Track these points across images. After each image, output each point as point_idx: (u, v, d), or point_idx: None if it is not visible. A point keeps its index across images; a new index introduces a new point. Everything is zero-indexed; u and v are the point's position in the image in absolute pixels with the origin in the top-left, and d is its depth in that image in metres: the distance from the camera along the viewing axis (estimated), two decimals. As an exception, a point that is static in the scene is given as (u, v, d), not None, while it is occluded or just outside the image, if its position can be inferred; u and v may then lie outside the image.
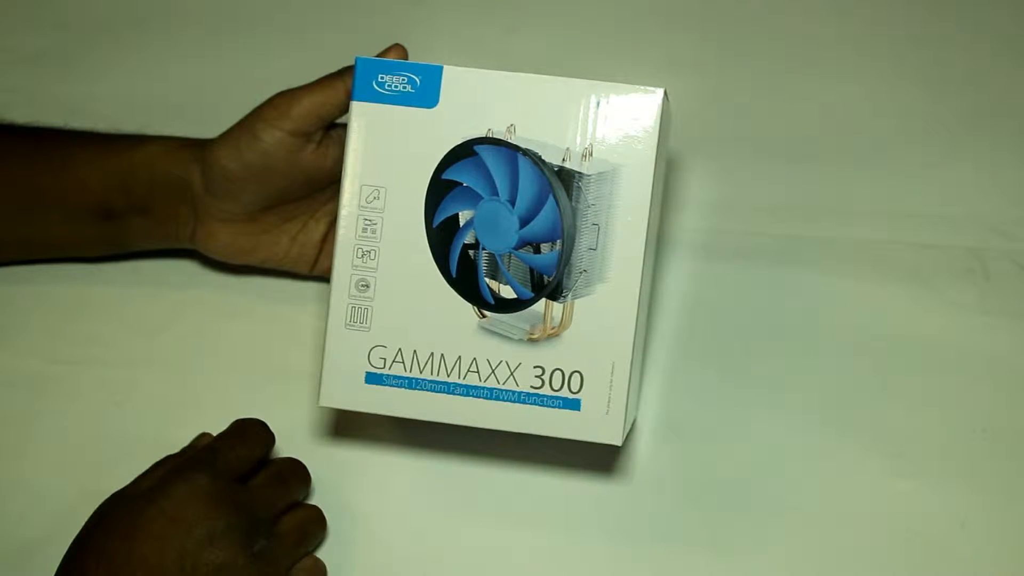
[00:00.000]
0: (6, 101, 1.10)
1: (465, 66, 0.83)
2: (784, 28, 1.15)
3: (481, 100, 0.82)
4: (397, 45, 0.90)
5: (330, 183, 0.96)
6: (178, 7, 1.19)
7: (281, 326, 1.04)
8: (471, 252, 0.83)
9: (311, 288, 1.04)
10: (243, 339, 1.04)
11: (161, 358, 1.03)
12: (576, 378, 0.82)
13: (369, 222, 0.83)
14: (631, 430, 0.97)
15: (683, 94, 0.96)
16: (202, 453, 0.88)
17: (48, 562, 0.84)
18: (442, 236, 0.83)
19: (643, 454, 0.98)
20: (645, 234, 0.81)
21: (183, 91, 1.15)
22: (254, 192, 0.94)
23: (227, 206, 0.96)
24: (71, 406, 1.01)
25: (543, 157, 0.81)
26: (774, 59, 1.14)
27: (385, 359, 0.84)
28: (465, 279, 0.83)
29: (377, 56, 0.87)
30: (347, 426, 1.00)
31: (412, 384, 0.84)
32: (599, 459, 0.98)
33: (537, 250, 0.82)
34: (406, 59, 0.89)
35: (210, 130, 0.96)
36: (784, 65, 1.13)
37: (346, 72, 0.89)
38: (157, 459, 0.91)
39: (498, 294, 0.83)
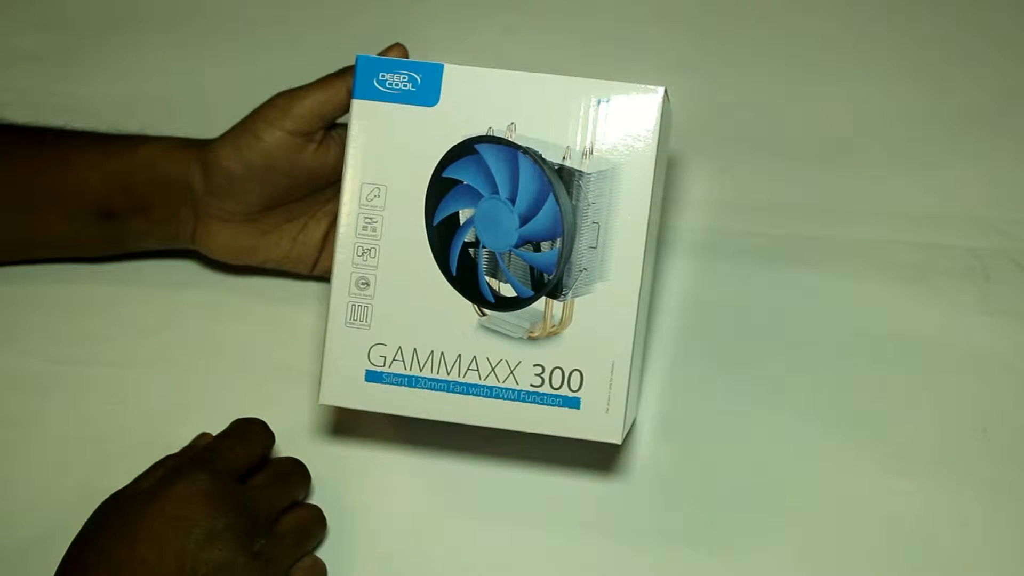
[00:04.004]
0: (6, 101, 1.09)
1: (465, 65, 0.83)
2: (784, 28, 1.15)
3: (482, 98, 0.82)
4: (398, 44, 0.90)
5: (331, 183, 0.96)
6: (178, 7, 1.19)
7: (281, 326, 1.04)
8: (471, 250, 0.83)
9: (311, 288, 1.04)
10: (243, 339, 1.04)
11: (161, 358, 1.03)
12: (576, 376, 0.83)
13: (370, 220, 0.83)
14: (631, 429, 0.97)
15: (683, 94, 0.96)
16: (202, 453, 0.88)
17: (48, 562, 0.84)
18: (442, 234, 0.83)
19: (643, 453, 0.98)
20: (645, 233, 0.81)
21: (183, 91, 1.15)
22: (255, 192, 0.94)
23: (228, 206, 0.96)
24: (71, 406, 1.01)
25: (543, 155, 0.81)
26: (774, 59, 1.14)
27: (385, 357, 0.84)
28: (465, 277, 0.83)
29: (378, 55, 0.87)
30: (347, 425, 1.00)
31: (412, 382, 0.84)
32: (599, 458, 0.98)
33: (537, 248, 0.82)
34: (407, 58, 0.89)
35: (210, 130, 0.96)
36: (784, 65, 1.13)
37: (347, 72, 0.90)
38: (157, 459, 0.91)
39: (498, 292, 0.83)
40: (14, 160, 0.99)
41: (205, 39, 1.17)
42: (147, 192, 0.97)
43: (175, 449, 0.94)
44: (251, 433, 0.91)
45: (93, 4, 1.19)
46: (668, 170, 1.05)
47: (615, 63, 1.14)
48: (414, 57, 0.89)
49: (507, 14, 1.17)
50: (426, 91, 0.83)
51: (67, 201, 0.98)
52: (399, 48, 0.90)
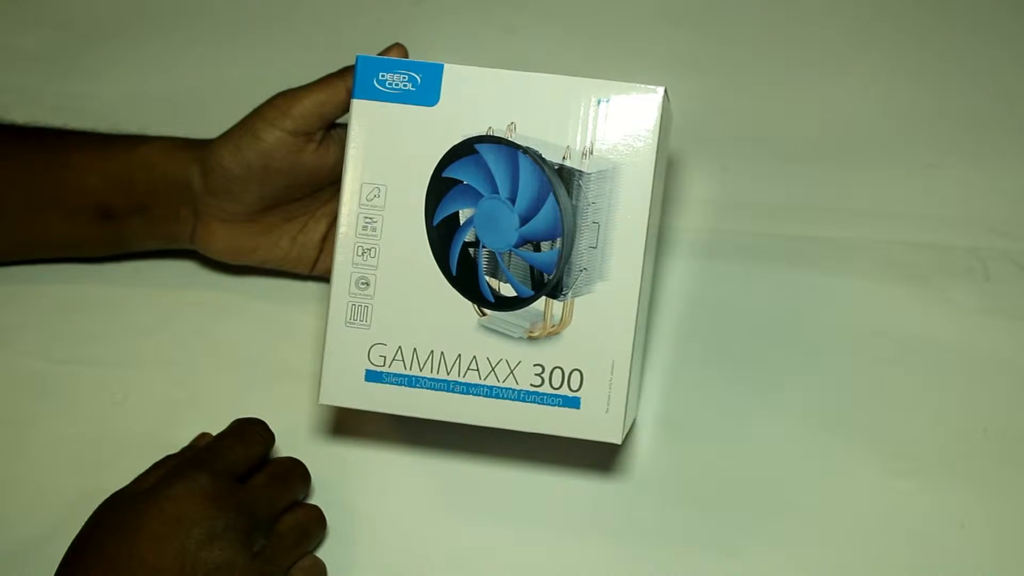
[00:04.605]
0: (6, 101, 1.10)
1: (466, 65, 0.83)
2: (784, 28, 1.15)
3: (482, 98, 0.82)
4: (397, 44, 0.90)
5: (330, 183, 0.96)
6: (178, 7, 1.19)
7: (281, 326, 1.04)
8: (471, 250, 0.83)
9: (311, 288, 1.04)
10: (243, 339, 1.04)
11: (161, 358, 1.03)
12: (576, 376, 0.82)
13: (369, 220, 0.83)
14: (631, 429, 0.97)
15: (683, 94, 0.96)
16: (202, 453, 0.88)
17: (48, 562, 0.84)
18: (442, 234, 0.83)
19: (643, 453, 0.98)
20: (645, 232, 0.81)
21: (183, 91, 1.14)
22: (255, 192, 0.94)
23: (227, 206, 0.96)
24: (71, 406, 1.01)
25: (543, 155, 0.81)
26: (774, 59, 1.14)
27: (385, 357, 0.84)
28: (465, 277, 0.83)
29: (378, 55, 0.87)
30: (347, 425, 1.00)
31: (412, 382, 0.84)
32: (599, 457, 0.98)
33: (537, 248, 0.82)
34: (407, 58, 0.89)
35: (210, 130, 0.96)
36: (784, 65, 1.13)
37: (347, 72, 0.90)
38: (157, 459, 0.91)
39: (498, 292, 0.83)
40: (14, 160, 0.99)
41: (205, 39, 1.17)
42: (147, 192, 0.97)
43: (175, 449, 0.94)
44: (251, 433, 0.91)
45: (93, 4, 1.19)
46: (668, 170, 1.05)
47: (615, 63, 1.14)
48: (414, 57, 0.89)
49: (507, 14, 1.17)
50: (426, 91, 0.83)
51: (67, 201, 0.98)
52: (399, 48, 0.90)
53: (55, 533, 0.92)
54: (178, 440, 0.95)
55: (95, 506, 0.86)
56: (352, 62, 0.85)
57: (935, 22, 1.15)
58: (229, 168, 0.93)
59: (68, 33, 1.18)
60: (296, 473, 0.92)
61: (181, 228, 0.99)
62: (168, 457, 0.91)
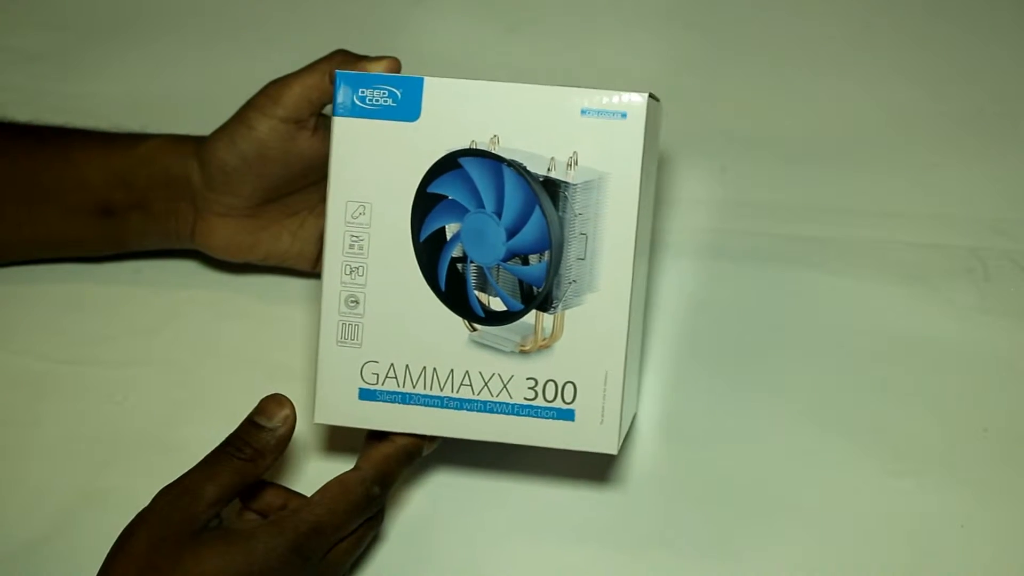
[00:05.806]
0: (6, 101, 1.10)
1: (465, 66, 0.83)
2: (784, 28, 1.15)
3: (464, 111, 0.81)
4: (392, 58, 0.88)
5: (326, 175, 0.95)
6: (178, 7, 1.19)
7: (281, 326, 1.04)
8: (459, 265, 0.83)
9: (311, 288, 1.04)
10: (243, 339, 1.04)
11: (161, 358, 1.03)
12: (569, 388, 0.82)
13: (356, 238, 0.83)
14: (629, 433, 0.97)
15: (683, 94, 0.95)
16: (328, 530, 0.82)
17: (48, 562, 0.85)
18: (429, 250, 0.82)
19: (642, 456, 0.98)
20: (634, 242, 0.81)
21: (183, 91, 1.15)
22: (252, 183, 0.95)
23: (226, 199, 0.96)
24: (71, 406, 1.01)
25: (528, 167, 0.80)
26: (773, 58, 1.14)
27: (378, 375, 0.84)
28: (454, 293, 0.83)
29: (370, 63, 0.86)
30: (344, 434, 0.99)
31: (406, 399, 0.83)
32: (596, 466, 0.98)
33: (525, 261, 0.82)
34: (399, 71, 0.87)
35: (210, 130, 0.96)
36: (783, 64, 1.13)
37: (333, 56, 0.90)
38: (154, 459, 0.90)
39: (488, 307, 0.83)
40: (15, 157, 0.99)
41: (205, 39, 1.18)
42: (146, 187, 0.98)
43: (175, 449, 0.92)
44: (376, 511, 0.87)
45: (93, 4, 1.19)
46: (668, 170, 1.05)
47: (615, 63, 1.13)
48: (413, 58, 0.89)
49: (507, 14, 1.17)
50: (407, 106, 0.82)
51: (67, 198, 0.98)
52: (392, 61, 0.88)
53: (55, 533, 0.92)
54: (179, 440, 0.95)
55: (95, 506, 0.86)
56: (352, 60, 0.85)
57: (935, 22, 1.15)
58: (225, 160, 0.93)
59: (68, 33, 1.18)
60: (374, 535, 0.89)
61: (181, 224, 0.99)
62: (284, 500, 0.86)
